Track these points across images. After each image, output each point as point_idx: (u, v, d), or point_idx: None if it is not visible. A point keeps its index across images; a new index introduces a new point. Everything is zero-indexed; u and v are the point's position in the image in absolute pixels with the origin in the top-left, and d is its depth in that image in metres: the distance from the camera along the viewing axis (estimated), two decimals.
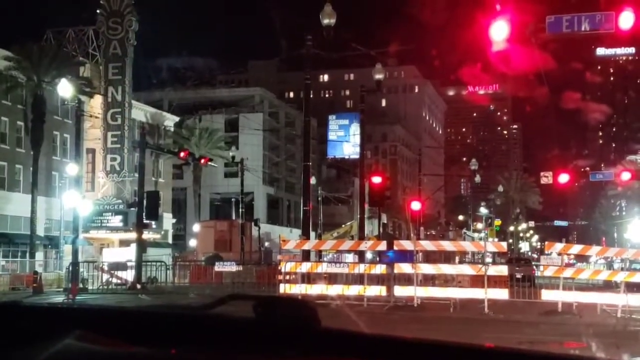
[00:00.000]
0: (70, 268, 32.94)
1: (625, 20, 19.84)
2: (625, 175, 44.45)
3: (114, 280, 37.21)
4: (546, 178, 42.71)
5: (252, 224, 61.32)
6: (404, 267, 24.16)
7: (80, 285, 33.79)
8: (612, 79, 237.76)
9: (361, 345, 1.93)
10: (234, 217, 67.47)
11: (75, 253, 33.93)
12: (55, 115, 51.48)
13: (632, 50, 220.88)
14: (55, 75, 45.45)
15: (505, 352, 1.95)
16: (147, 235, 45.47)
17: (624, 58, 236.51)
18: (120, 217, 51.80)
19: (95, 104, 53.14)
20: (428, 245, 28.84)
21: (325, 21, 28.88)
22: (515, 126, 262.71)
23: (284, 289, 24.39)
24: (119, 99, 54.94)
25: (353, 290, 23.80)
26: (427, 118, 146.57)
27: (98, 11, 55.39)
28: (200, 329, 2.06)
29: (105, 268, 38.19)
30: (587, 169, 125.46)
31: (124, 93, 55.03)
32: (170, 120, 68.97)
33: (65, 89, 36.42)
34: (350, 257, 43.54)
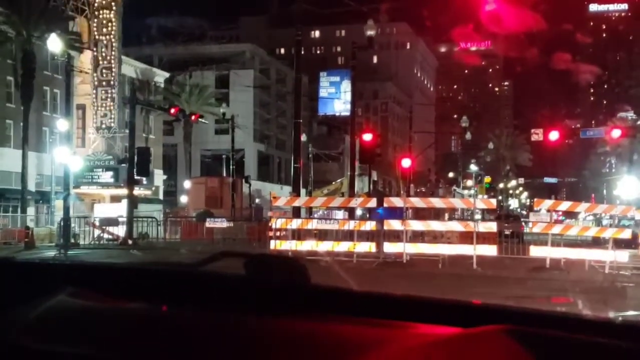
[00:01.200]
0: (62, 223, 32.95)
1: None
2: (616, 133, 44.54)
3: (106, 235, 37.32)
4: (537, 135, 42.84)
5: (243, 180, 61.36)
6: (394, 224, 24.30)
7: (72, 241, 33.88)
8: (604, 35, 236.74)
9: (351, 302, 1.97)
10: (224, 174, 67.54)
11: (66, 210, 33.92)
12: (45, 71, 51.07)
13: (625, 6, 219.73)
14: (44, 30, 44.93)
15: (492, 309, 1.98)
16: (138, 191, 45.43)
17: (617, 15, 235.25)
18: (111, 173, 51.72)
19: (85, 60, 52.65)
20: (418, 202, 28.92)
21: None
22: (506, 83, 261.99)
23: (275, 245, 24.53)
24: (108, 55, 54.41)
25: (343, 246, 23.97)
26: (419, 75, 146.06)
27: None
28: (192, 286, 2.09)
29: (97, 223, 38.27)
30: (578, 126, 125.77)
31: (113, 48, 54.48)
32: (160, 77, 68.50)
33: (54, 43, 36.05)
34: (340, 214, 43.75)
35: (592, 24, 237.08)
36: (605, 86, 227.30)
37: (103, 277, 2.26)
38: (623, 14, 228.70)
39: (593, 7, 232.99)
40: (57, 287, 2.00)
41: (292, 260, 2.24)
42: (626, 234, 23.92)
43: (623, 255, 22.04)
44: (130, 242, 34.63)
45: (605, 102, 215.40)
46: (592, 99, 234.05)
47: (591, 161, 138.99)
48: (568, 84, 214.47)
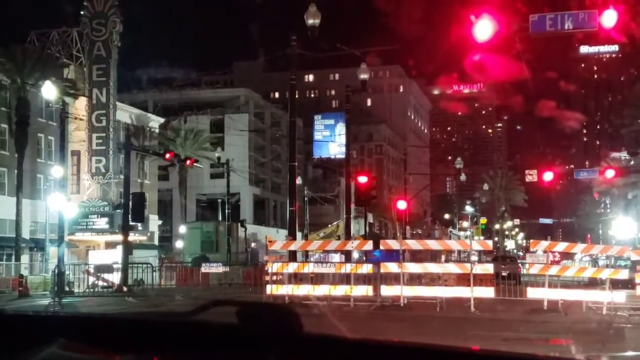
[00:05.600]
0: (56, 272, 32.68)
1: (608, 18, 19.99)
2: (610, 173, 44.66)
3: (100, 283, 37.01)
4: (531, 176, 42.93)
5: (239, 224, 61.22)
6: (391, 267, 24.19)
7: (67, 289, 33.60)
8: (595, 77, 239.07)
9: (343, 350, 1.95)
10: (220, 218, 67.38)
11: (60, 258, 33.68)
12: (40, 118, 51.20)
13: (615, 48, 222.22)
14: (39, 77, 45.18)
15: (491, 355, 1.96)
16: (133, 237, 45.26)
17: (607, 56, 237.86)
18: (106, 219, 51.57)
19: (79, 106, 52.84)
20: (414, 244, 28.89)
21: (310, 21, 28.88)
22: (500, 124, 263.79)
23: (271, 289, 24.36)
24: (103, 101, 54.65)
25: (340, 290, 23.81)
26: (413, 117, 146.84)
27: (82, 13, 55.07)
28: (183, 336, 2.06)
29: (92, 271, 37.98)
30: (572, 166, 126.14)
31: (108, 95, 54.74)
32: (155, 122, 68.72)
33: (49, 91, 36.22)
34: (336, 257, 43.56)
35: (583, 65, 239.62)
36: (598, 127, 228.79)
37: (94, 329, 2.24)
38: (614, 55, 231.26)
39: (584, 49, 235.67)
40: (48, 339, 1.98)
41: (284, 308, 2.22)
42: (623, 275, 23.83)
43: (620, 296, 21.93)
44: (125, 289, 34.36)
45: (598, 142, 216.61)
46: (585, 140, 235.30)
47: (586, 201, 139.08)
48: (561, 126, 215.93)
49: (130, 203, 37.92)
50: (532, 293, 23.13)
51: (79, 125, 53.15)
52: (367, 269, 25.27)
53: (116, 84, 55.88)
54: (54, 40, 55.79)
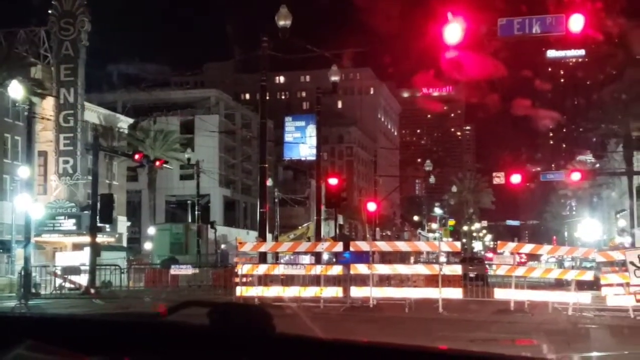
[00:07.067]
0: (22, 273, 32.31)
1: (575, 22, 20.26)
2: (576, 176, 45.19)
3: (67, 284, 36.66)
4: (498, 178, 43.24)
5: (209, 226, 60.95)
6: (360, 268, 24.28)
7: (33, 290, 33.21)
8: (562, 81, 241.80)
9: (315, 350, 1.96)
10: (190, 220, 67.05)
11: (27, 259, 33.28)
12: (6, 118, 50.56)
13: (582, 52, 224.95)
14: (5, 77, 44.58)
15: (458, 354, 1.99)
16: (101, 238, 44.84)
17: (574, 60, 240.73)
18: (73, 221, 51.01)
19: (47, 106, 52.20)
20: (384, 245, 28.99)
21: (281, 23, 28.87)
22: (468, 127, 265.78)
23: (241, 291, 24.30)
24: (71, 101, 54.06)
25: (310, 292, 23.84)
26: (383, 120, 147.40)
27: (50, 11, 54.44)
28: (154, 337, 2.06)
29: (58, 272, 37.58)
30: (539, 169, 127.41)
31: (76, 95, 54.14)
32: (124, 122, 68.14)
33: (15, 90, 35.77)
34: (307, 259, 43.59)
35: (550, 69, 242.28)
36: (564, 130, 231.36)
37: (63, 329, 2.22)
38: (580, 60, 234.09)
39: (551, 53, 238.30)
40: (14, 341, 1.96)
41: (257, 308, 2.23)
42: (588, 276, 24.13)
43: (586, 297, 22.23)
44: (92, 291, 34.05)
45: (564, 145, 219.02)
46: (552, 142, 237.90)
47: (552, 204, 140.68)
48: (528, 128, 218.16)
49: (98, 204, 37.57)
50: (499, 294, 23.35)
51: (46, 126, 52.50)
52: (337, 270, 25.33)
53: (84, 84, 55.27)
54: (21, 39, 55.05)
